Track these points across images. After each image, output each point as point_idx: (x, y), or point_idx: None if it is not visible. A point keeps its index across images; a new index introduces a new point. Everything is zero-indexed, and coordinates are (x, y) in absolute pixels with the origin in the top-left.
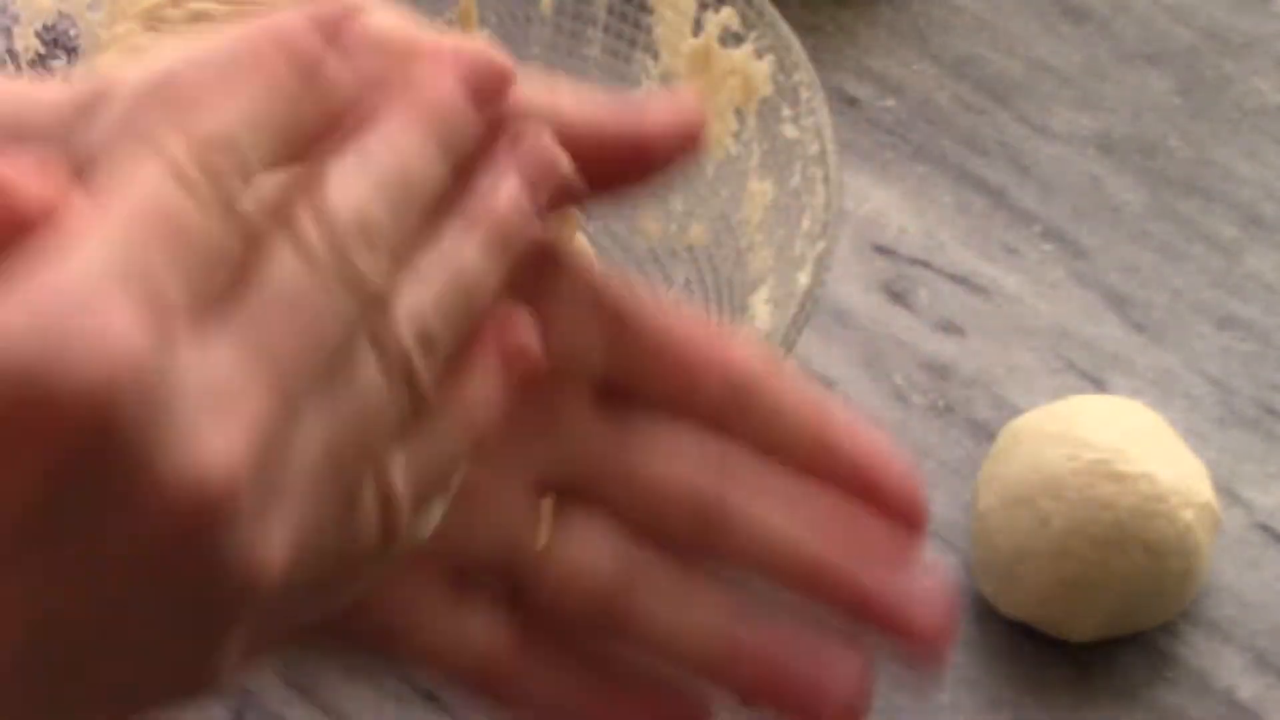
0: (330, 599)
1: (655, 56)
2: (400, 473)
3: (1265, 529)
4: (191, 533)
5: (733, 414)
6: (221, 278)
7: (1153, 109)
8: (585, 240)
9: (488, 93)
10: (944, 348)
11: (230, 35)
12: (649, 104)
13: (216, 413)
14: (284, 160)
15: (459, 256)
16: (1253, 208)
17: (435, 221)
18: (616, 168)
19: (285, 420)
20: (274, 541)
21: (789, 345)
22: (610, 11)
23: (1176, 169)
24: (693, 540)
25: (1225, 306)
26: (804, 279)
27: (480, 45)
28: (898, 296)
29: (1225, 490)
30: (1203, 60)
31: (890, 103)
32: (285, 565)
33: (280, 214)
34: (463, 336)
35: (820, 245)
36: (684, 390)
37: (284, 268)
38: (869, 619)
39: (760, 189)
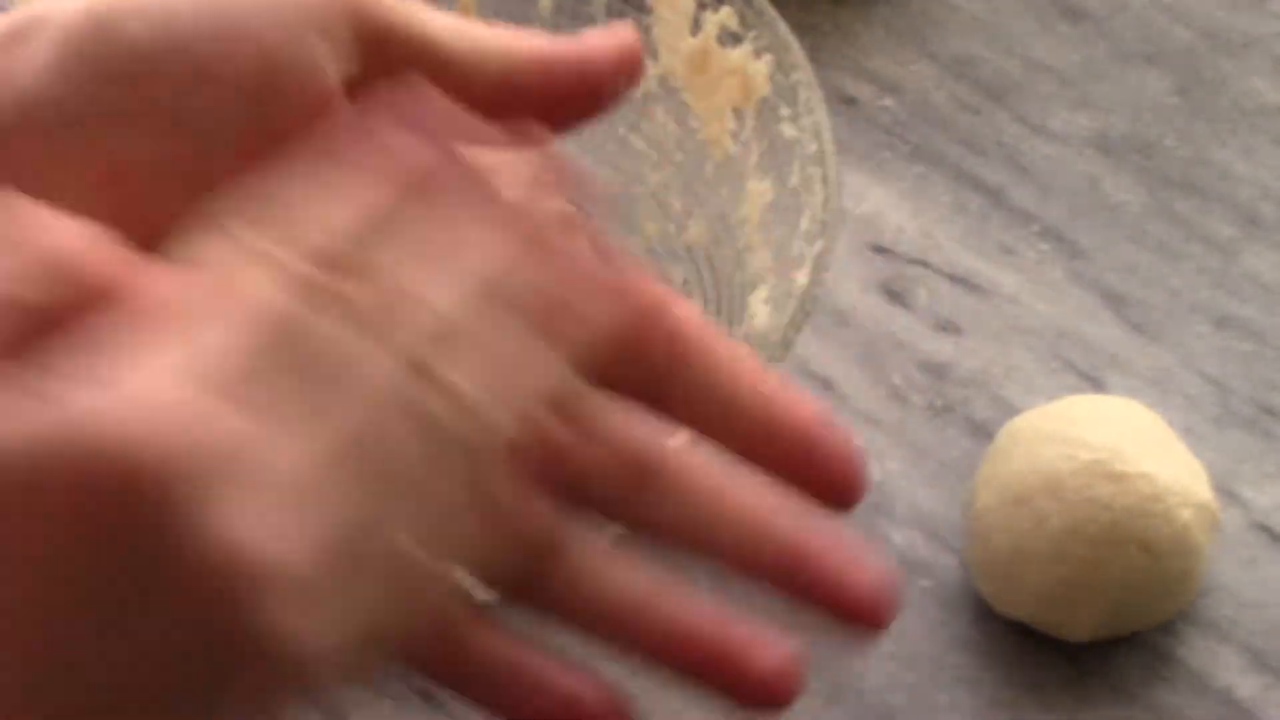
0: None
1: (654, 56)
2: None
3: (1263, 528)
4: (227, 617)
5: (669, 382)
6: (323, 382)
7: (1151, 109)
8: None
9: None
10: (942, 347)
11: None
12: (589, 38)
13: (282, 502)
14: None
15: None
16: (1251, 207)
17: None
18: (568, 103)
19: (359, 535)
20: (315, 644)
21: (787, 345)
22: (608, 11)
23: (1174, 169)
24: (625, 507)
25: (1223, 306)
26: (802, 279)
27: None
28: (896, 296)
29: (1223, 490)
30: (1201, 60)
31: (888, 102)
32: (317, 669)
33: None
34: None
35: (818, 245)
36: (623, 362)
37: (366, 364)
38: (805, 587)
39: (759, 189)
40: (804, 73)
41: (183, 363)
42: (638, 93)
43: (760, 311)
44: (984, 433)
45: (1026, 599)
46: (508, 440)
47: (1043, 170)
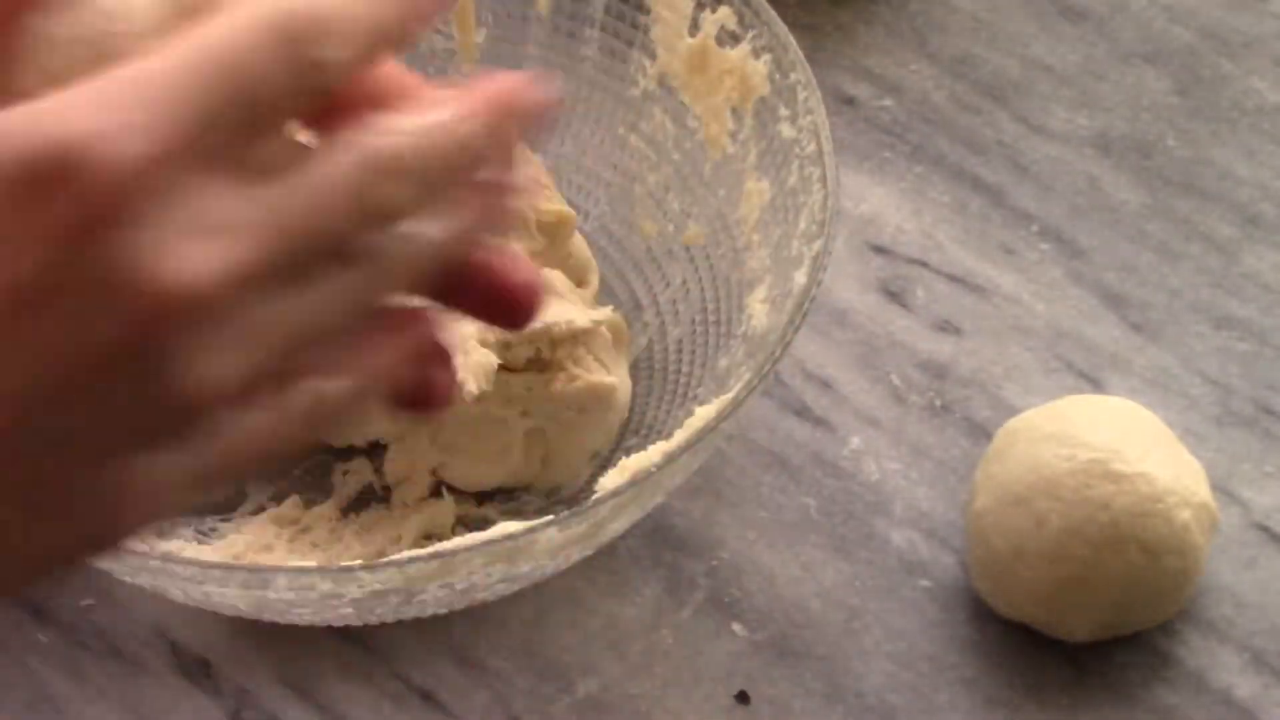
0: (246, 463)
1: (652, 56)
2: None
3: (1263, 528)
4: (147, 328)
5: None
6: (272, 138)
7: (1150, 108)
8: (582, 240)
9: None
10: (941, 347)
11: None
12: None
13: (199, 241)
14: (371, 57)
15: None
16: (1251, 207)
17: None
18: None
19: (267, 279)
20: (216, 374)
21: (786, 345)
22: (607, 11)
23: (1174, 168)
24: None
25: (1223, 306)
26: (801, 278)
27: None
28: (895, 296)
29: (1222, 490)
30: (1200, 60)
31: (887, 102)
32: (219, 397)
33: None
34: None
35: (817, 245)
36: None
37: (331, 158)
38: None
39: (757, 188)
40: (803, 72)
41: (139, 74)
42: (637, 92)
43: (759, 311)
44: (983, 433)
45: (1025, 599)
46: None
47: (1042, 170)
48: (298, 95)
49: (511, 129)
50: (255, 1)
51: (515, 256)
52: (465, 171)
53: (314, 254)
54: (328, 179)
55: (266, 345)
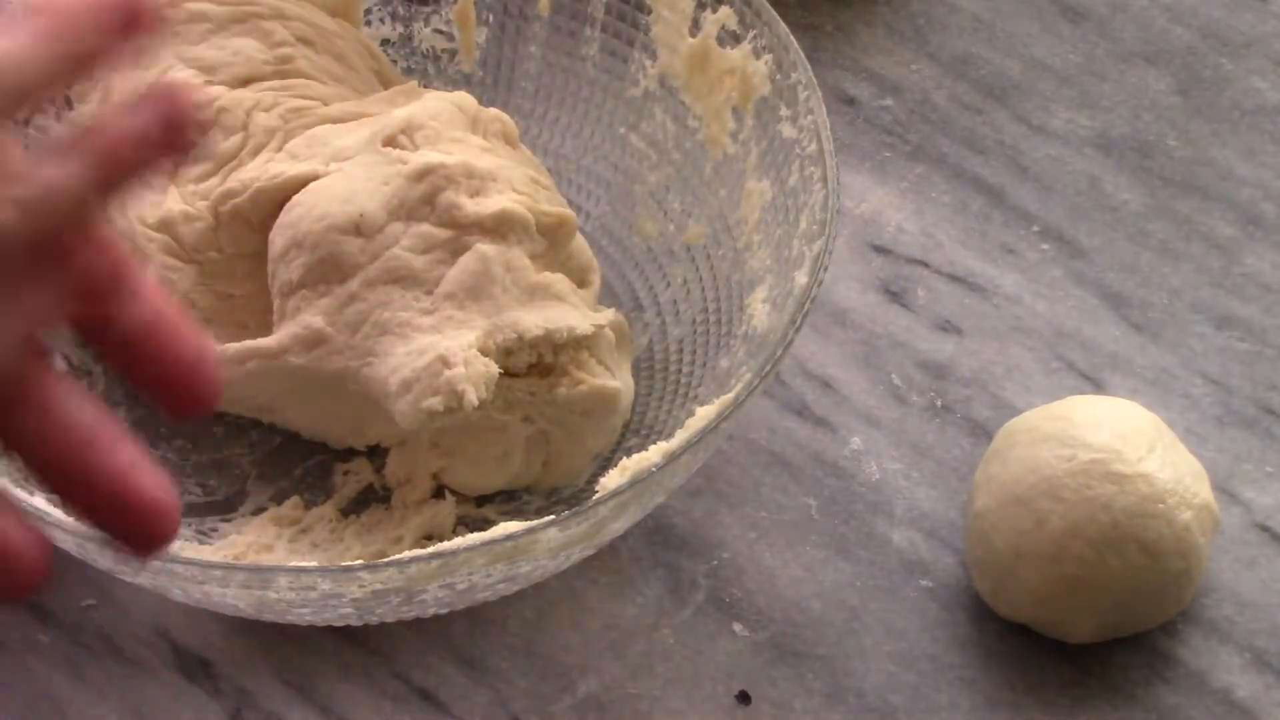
0: None
1: (653, 56)
2: None
3: (1264, 529)
4: None
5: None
6: None
7: (1151, 108)
8: (583, 240)
9: (129, 27)
10: (942, 347)
11: None
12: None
13: None
14: None
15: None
16: (1251, 207)
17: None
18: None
19: None
20: None
21: (787, 345)
22: (608, 11)
23: (1175, 168)
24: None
25: (1224, 306)
26: (802, 278)
27: None
28: (895, 296)
29: (1223, 490)
30: (1201, 60)
31: (888, 102)
32: None
33: None
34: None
35: (818, 244)
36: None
37: None
38: None
39: (758, 188)
40: (803, 72)
41: None
42: (638, 92)
43: (759, 311)
44: (984, 433)
45: (1026, 599)
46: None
47: (1043, 170)
48: None
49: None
50: None
51: (180, 323)
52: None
53: None
54: None
55: None
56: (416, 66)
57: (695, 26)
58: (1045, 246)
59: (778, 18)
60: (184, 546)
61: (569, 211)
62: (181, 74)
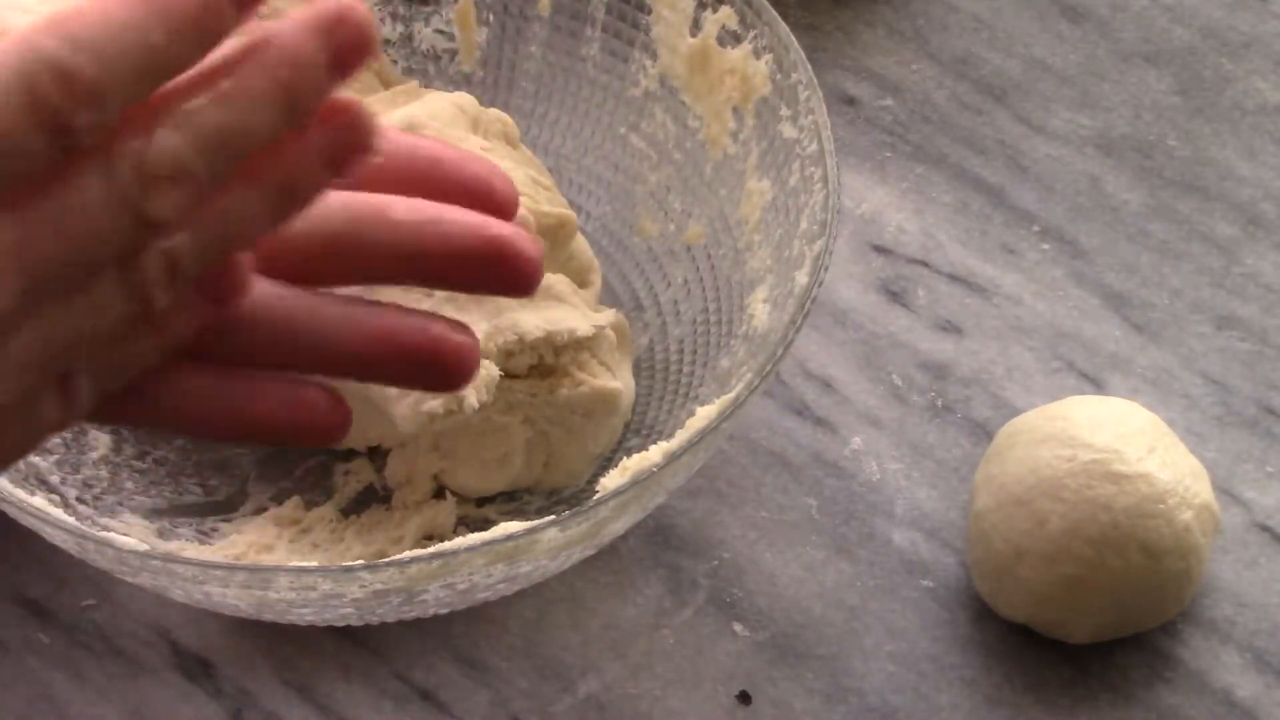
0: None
1: (654, 56)
2: (87, 379)
3: (1264, 529)
4: None
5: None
6: (19, 182)
7: (1151, 108)
8: (584, 240)
9: (348, 55)
10: (942, 347)
11: None
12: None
13: None
14: (139, 93)
15: (239, 208)
16: (1252, 207)
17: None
18: None
19: (15, 310)
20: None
21: (787, 345)
22: (608, 11)
23: (1175, 168)
24: (329, 267)
25: (1224, 306)
26: (802, 278)
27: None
28: (896, 296)
29: (1224, 490)
30: (1201, 60)
31: (889, 102)
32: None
33: (106, 142)
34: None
35: (818, 244)
36: None
37: (81, 183)
38: (480, 251)
39: (758, 188)
40: (804, 72)
41: None
42: (638, 92)
43: (760, 311)
44: (984, 433)
45: (1026, 600)
46: (174, 264)
47: (1043, 170)
48: (51, 153)
49: (310, 79)
50: (7, 44)
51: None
52: (262, 138)
53: (76, 273)
54: (90, 199)
55: (33, 366)
56: (417, 66)
57: (696, 26)
58: (1046, 246)
59: (778, 18)
60: (184, 546)
61: (569, 212)
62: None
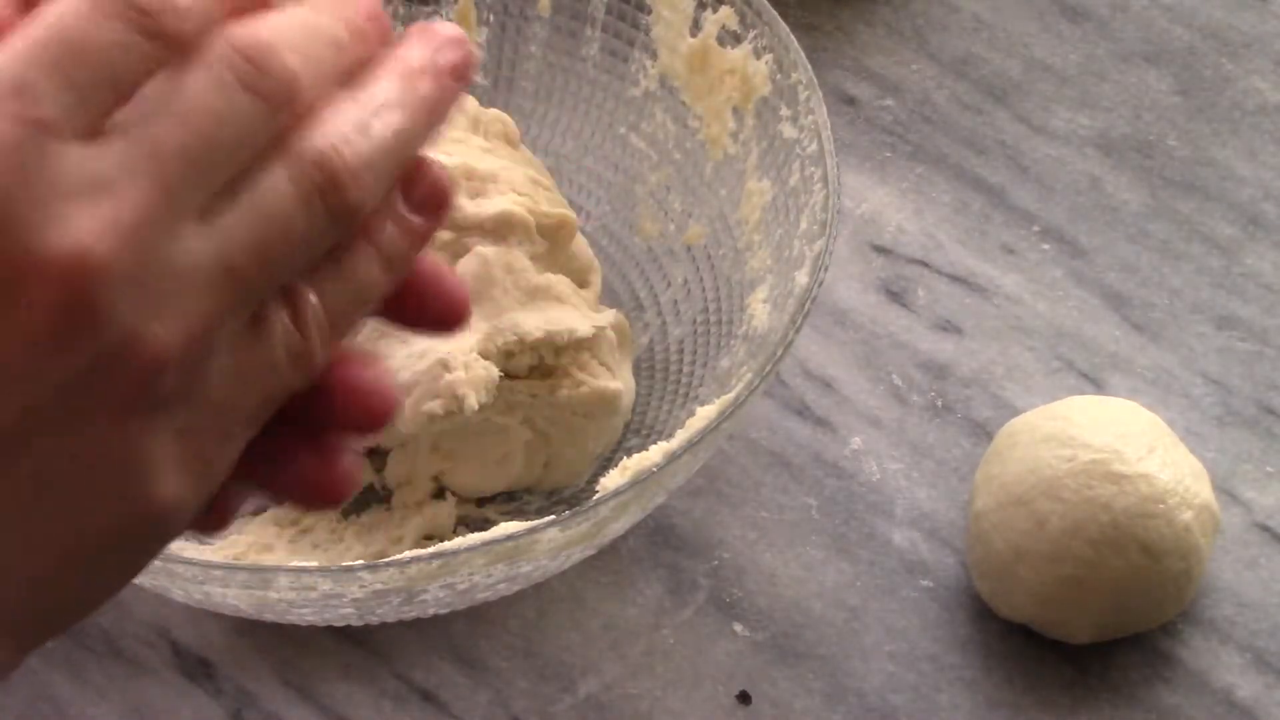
0: (247, 419)
1: (653, 56)
2: (313, 307)
3: (1264, 529)
4: (73, 304)
5: None
6: (122, 93)
7: (1151, 109)
8: (584, 240)
9: (463, 73)
10: (942, 347)
11: None
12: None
13: (91, 201)
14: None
15: (388, 98)
16: (1252, 207)
17: (363, 75)
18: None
19: (167, 215)
20: (164, 325)
21: (787, 345)
22: (608, 11)
23: (1175, 169)
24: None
25: (1224, 306)
26: (802, 278)
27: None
28: (896, 296)
29: (1224, 490)
30: (1202, 60)
31: (889, 102)
32: (179, 349)
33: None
34: (389, 177)
35: (818, 244)
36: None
37: (189, 78)
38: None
39: (758, 188)
40: (804, 72)
41: None
42: (638, 92)
43: (760, 311)
44: (984, 433)
45: (1026, 600)
46: (344, 152)
47: (1044, 170)
48: (148, 65)
49: (448, 91)
50: None
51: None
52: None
53: (220, 164)
54: (196, 85)
55: (210, 286)
56: None
57: (695, 26)
58: (1046, 246)
59: (778, 18)
60: (184, 547)
61: (569, 212)
62: None
